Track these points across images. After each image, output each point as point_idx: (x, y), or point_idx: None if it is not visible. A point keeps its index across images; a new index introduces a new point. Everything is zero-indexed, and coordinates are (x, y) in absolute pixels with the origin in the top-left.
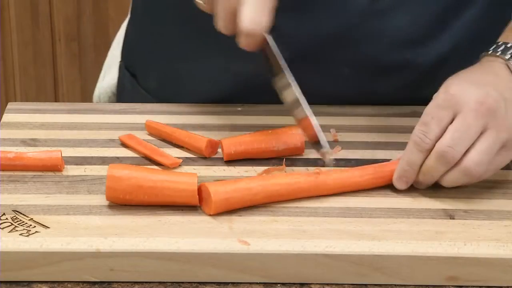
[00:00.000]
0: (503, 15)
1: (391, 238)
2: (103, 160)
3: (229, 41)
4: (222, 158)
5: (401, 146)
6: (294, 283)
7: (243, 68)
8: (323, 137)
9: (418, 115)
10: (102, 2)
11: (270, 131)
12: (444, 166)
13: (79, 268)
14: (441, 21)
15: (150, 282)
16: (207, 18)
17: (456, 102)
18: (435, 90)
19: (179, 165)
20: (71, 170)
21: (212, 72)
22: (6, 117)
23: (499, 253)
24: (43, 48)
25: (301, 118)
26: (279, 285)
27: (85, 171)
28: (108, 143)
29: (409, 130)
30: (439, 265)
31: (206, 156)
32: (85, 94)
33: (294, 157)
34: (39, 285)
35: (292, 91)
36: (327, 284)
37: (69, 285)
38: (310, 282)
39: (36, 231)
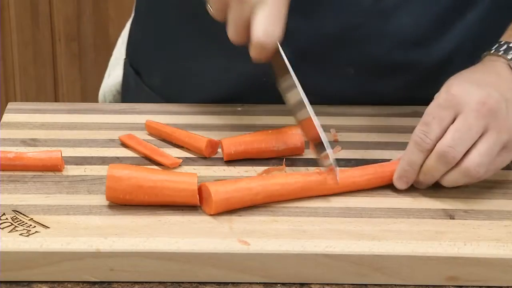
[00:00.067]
0: (506, 16)
1: (391, 238)
2: (103, 160)
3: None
4: (222, 158)
5: (401, 146)
6: (294, 283)
7: (246, 67)
8: (326, 140)
9: (419, 115)
10: (102, 2)
11: (270, 131)
12: (445, 166)
13: (79, 268)
14: (444, 21)
15: (150, 282)
16: (211, 18)
17: (457, 102)
18: (438, 90)
19: (179, 165)
20: (71, 170)
21: (216, 71)
22: (6, 117)
23: (499, 253)
24: (43, 48)
25: (303, 120)
26: (279, 285)
27: (85, 171)
28: (108, 143)
29: (409, 130)
30: (439, 265)
31: (206, 156)
32: (85, 94)
33: (294, 157)
34: (39, 285)
35: (297, 92)
36: (327, 284)
37: (69, 285)
38: (310, 282)
39: (36, 231)
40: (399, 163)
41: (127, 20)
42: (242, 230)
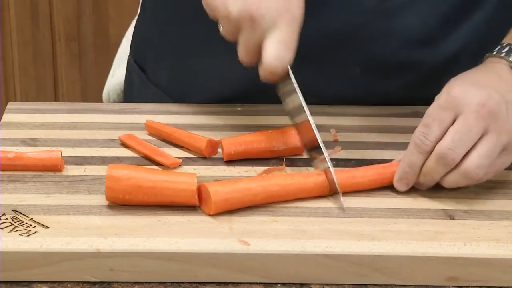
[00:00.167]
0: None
1: (391, 238)
2: (103, 160)
3: None
4: (222, 158)
5: (401, 146)
6: (294, 283)
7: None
8: (322, 144)
9: (419, 115)
10: (102, 2)
11: (270, 131)
12: (444, 168)
13: (79, 268)
14: (450, 21)
15: (150, 282)
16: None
17: (457, 104)
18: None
19: (179, 165)
20: (71, 170)
21: (222, 70)
22: (6, 117)
23: (499, 253)
24: (43, 48)
25: (300, 123)
26: (279, 285)
27: (85, 171)
28: (108, 143)
29: (409, 130)
30: (439, 265)
31: (206, 156)
32: (85, 94)
33: (294, 157)
34: (39, 285)
35: (297, 97)
36: (327, 284)
37: (69, 285)
38: (310, 282)
39: (36, 231)
40: (400, 165)
41: (127, 20)
42: (242, 230)
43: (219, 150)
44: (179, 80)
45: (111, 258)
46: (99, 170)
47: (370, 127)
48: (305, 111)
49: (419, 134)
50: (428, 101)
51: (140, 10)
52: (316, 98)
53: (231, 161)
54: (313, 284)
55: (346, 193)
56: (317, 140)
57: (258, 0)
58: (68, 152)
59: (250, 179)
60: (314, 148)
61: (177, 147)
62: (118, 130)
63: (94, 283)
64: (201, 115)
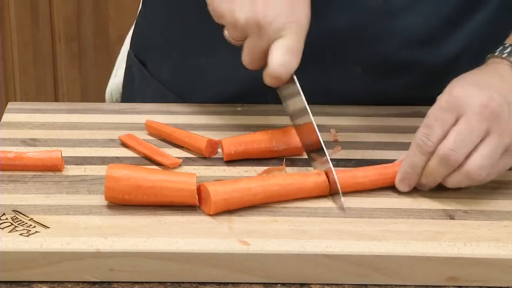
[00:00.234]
0: None
1: (391, 238)
2: (103, 160)
3: None
4: (222, 158)
5: (401, 146)
6: (294, 283)
7: None
8: (323, 146)
9: (420, 115)
10: (102, 2)
11: (270, 131)
12: (447, 169)
13: (79, 268)
14: (452, 22)
15: (150, 282)
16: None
17: (459, 105)
18: None
19: (179, 165)
20: (71, 170)
21: (225, 68)
22: (6, 117)
23: (499, 253)
24: (43, 48)
25: (301, 125)
26: (279, 285)
27: (85, 171)
28: (108, 143)
29: (409, 130)
30: (439, 266)
31: (206, 156)
32: (85, 94)
33: (294, 157)
34: (39, 285)
35: (299, 99)
36: (327, 284)
37: (69, 285)
38: (310, 282)
39: (36, 231)
40: (401, 166)
41: (127, 20)
42: (242, 230)
43: (219, 150)
44: (181, 77)
45: (111, 258)
46: (99, 170)
47: (370, 127)
48: (308, 114)
49: (421, 135)
50: (429, 101)
51: (142, 6)
52: (317, 97)
53: (231, 161)
54: (313, 284)
55: (347, 193)
56: (319, 142)
57: (265, 7)
58: (68, 152)
59: (250, 179)
60: (314, 149)
61: (177, 147)
62: (118, 130)
63: (94, 283)
64: (201, 115)
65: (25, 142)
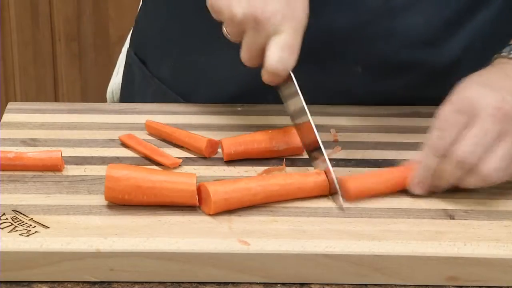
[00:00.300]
0: None
1: (391, 238)
2: (103, 160)
3: None
4: (222, 158)
5: (401, 146)
6: (294, 283)
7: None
8: (322, 146)
9: (421, 115)
10: (102, 2)
11: (270, 131)
12: (462, 171)
13: (79, 268)
14: (454, 22)
15: (150, 282)
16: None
17: (472, 107)
18: (446, 91)
19: (179, 165)
20: (71, 170)
21: (225, 67)
22: (6, 117)
23: (499, 253)
24: (43, 48)
25: (301, 124)
26: (279, 285)
27: (85, 171)
28: (108, 143)
29: (409, 130)
30: (439, 265)
31: (206, 156)
32: (85, 94)
33: (294, 157)
34: (39, 285)
35: (298, 99)
36: (327, 284)
37: (69, 285)
38: (310, 282)
39: (36, 231)
40: (415, 169)
41: (127, 20)
42: (242, 230)
43: (219, 150)
44: (181, 76)
45: (111, 258)
46: (99, 170)
47: (370, 127)
48: (306, 113)
49: (434, 138)
50: (430, 102)
51: (142, 4)
52: (317, 96)
53: (231, 161)
54: (313, 284)
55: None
56: (317, 141)
57: (263, 3)
58: (68, 152)
59: (250, 179)
60: (314, 149)
61: (177, 147)
62: (118, 130)
63: (94, 283)
64: (201, 115)
65: (25, 142)
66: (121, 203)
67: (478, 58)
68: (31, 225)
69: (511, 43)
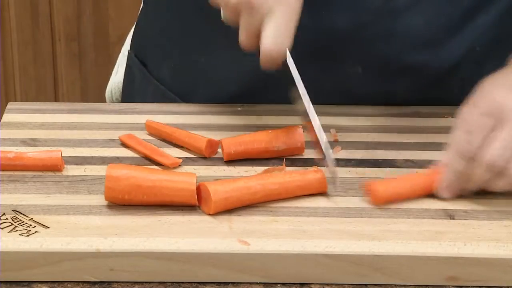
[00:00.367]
0: None
1: (391, 238)
2: (103, 160)
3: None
4: (222, 158)
5: (401, 146)
6: (294, 283)
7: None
8: (327, 146)
9: (421, 115)
10: (102, 2)
11: (270, 131)
12: (492, 175)
13: (79, 268)
14: (455, 24)
15: (150, 282)
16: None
17: (500, 110)
18: (446, 93)
19: (179, 165)
20: (71, 170)
21: (225, 67)
22: (6, 117)
23: (499, 253)
24: (43, 48)
25: (308, 122)
26: (279, 285)
27: (85, 171)
28: (108, 143)
29: (409, 130)
30: (439, 265)
31: (206, 156)
32: (85, 94)
33: (294, 157)
34: (39, 285)
35: (302, 102)
36: (327, 284)
37: (69, 285)
38: (310, 282)
39: (36, 231)
40: (443, 173)
41: (127, 20)
42: (242, 230)
43: (219, 150)
44: (181, 77)
45: (111, 258)
46: (99, 170)
47: (370, 127)
48: (306, 100)
49: (462, 141)
50: (430, 102)
51: (143, 6)
52: (317, 96)
53: (231, 161)
54: (313, 284)
55: (347, 193)
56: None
57: None
58: (68, 152)
59: (249, 178)
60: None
61: (177, 147)
62: (118, 130)
63: (94, 283)
64: (201, 115)
65: (25, 142)
66: (121, 203)
67: (478, 61)
68: (31, 225)
69: None
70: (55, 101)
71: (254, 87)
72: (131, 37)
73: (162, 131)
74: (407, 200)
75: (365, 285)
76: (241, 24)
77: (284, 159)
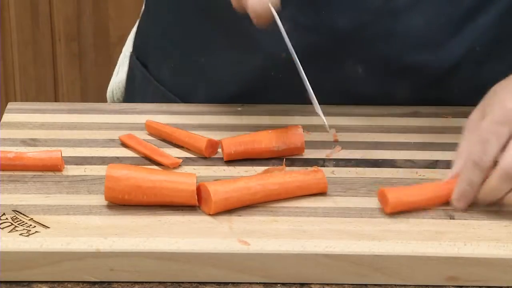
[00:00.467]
0: None
1: (391, 238)
2: (103, 160)
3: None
4: (222, 158)
5: (401, 146)
6: (294, 283)
7: (258, 62)
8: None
9: (421, 115)
10: (102, 2)
11: (270, 131)
12: (510, 185)
13: (79, 268)
14: (455, 25)
15: (150, 282)
16: (223, 11)
17: None
18: (446, 93)
19: (179, 165)
20: (71, 170)
21: (225, 68)
22: (6, 117)
23: (499, 253)
24: (43, 48)
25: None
26: (279, 285)
27: (85, 171)
28: (108, 143)
29: (409, 130)
30: (439, 265)
31: (206, 156)
32: (85, 94)
33: (294, 157)
34: (39, 285)
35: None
36: (327, 284)
37: (69, 285)
38: (310, 282)
39: (36, 231)
40: (458, 183)
41: (127, 20)
42: (242, 230)
43: (219, 150)
44: (181, 77)
45: (111, 258)
46: (99, 170)
47: (370, 127)
48: (293, 53)
49: (477, 151)
50: (430, 103)
51: (144, 8)
52: (317, 96)
53: (231, 161)
54: (313, 284)
55: (346, 192)
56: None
57: None
58: (68, 152)
59: (249, 178)
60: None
61: (177, 147)
62: (118, 130)
63: (94, 283)
64: (201, 115)
65: (25, 142)
66: (121, 203)
67: (478, 61)
68: (31, 225)
69: None
70: (55, 101)
71: (254, 87)
72: (131, 38)
73: (162, 131)
74: (420, 209)
75: (365, 285)
76: None
77: (284, 159)
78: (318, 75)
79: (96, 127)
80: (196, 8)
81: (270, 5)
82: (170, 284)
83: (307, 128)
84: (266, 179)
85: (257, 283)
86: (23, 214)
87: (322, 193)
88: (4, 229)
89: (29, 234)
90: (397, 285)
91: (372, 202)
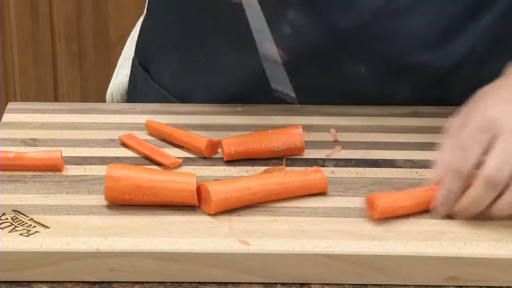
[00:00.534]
0: None
1: (391, 238)
2: (103, 160)
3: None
4: (222, 158)
5: (401, 146)
6: (294, 283)
7: (258, 63)
8: None
9: (420, 115)
10: (102, 2)
11: (270, 131)
12: (493, 192)
13: (79, 268)
14: (456, 25)
15: (150, 282)
16: (222, 14)
17: (495, 126)
18: (447, 93)
19: (179, 165)
20: (71, 170)
21: (225, 70)
22: (6, 117)
23: (499, 253)
24: (43, 48)
25: None
26: (279, 285)
27: (85, 171)
28: (108, 143)
29: (409, 130)
30: (439, 265)
31: (206, 156)
32: (85, 94)
33: (294, 157)
34: (39, 285)
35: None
36: (327, 284)
37: (69, 285)
38: (310, 282)
39: (36, 231)
40: (439, 191)
41: (127, 20)
42: (242, 230)
43: (219, 150)
44: (182, 77)
45: (111, 258)
46: (99, 170)
47: (370, 127)
48: None
49: (457, 159)
50: (431, 103)
51: (146, 12)
52: (318, 96)
53: (231, 161)
54: (313, 284)
55: (346, 193)
56: None
57: None
58: (68, 152)
59: (249, 178)
60: None
61: (177, 147)
62: (118, 130)
63: (94, 283)
64: (201, 115)
65: (25, 142)
66: (121, 203)
67: (479, 61)
68: (31, 225)
69: None
70: (55, 101)
71: (254, 87)
72: (131, 39)
73: (162, 131)
74: (407, 215)
75: (365, 285)
76: None
77: (284, 159)
78: (318, 75)
79: (96, 127)
80: (196, 8)
81: None
82: (170, 284)
83: (307, 128)
84: (266, 179)
85: (257, 283)
86: (23, 214)
87: (322, 193)
88: (4, 229)
89: (29, 234)
90: (397, 285)
91: None
